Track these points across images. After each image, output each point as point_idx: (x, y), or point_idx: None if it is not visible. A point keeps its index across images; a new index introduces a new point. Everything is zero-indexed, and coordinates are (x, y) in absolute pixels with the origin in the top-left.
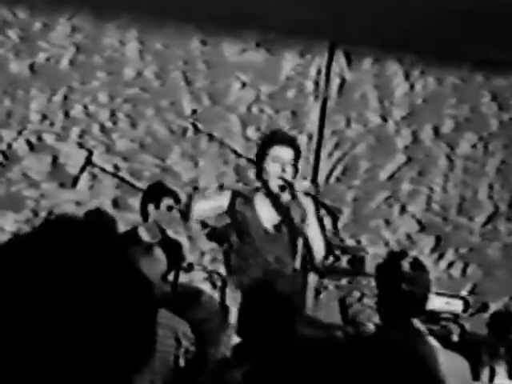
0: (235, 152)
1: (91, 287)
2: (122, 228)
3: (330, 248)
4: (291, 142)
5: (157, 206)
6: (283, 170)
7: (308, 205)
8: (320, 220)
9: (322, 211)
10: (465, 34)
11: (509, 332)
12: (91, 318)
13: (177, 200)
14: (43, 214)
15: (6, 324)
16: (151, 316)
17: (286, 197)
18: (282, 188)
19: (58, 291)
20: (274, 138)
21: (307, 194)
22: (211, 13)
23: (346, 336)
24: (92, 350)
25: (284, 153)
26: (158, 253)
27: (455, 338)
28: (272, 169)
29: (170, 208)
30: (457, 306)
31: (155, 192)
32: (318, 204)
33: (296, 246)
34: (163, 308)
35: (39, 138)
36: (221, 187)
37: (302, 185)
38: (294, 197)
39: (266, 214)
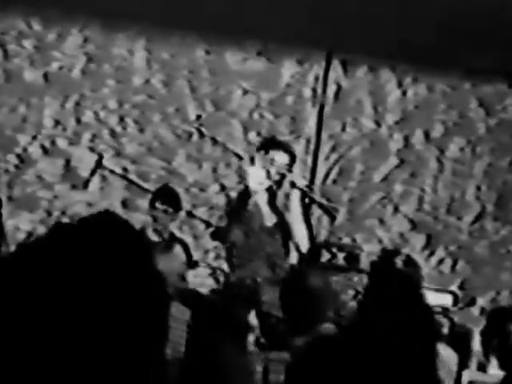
0: (237, 155)
1: (106, 283)
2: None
3: (313, 241)
4: (287, 148)
5: (153, 207)
6: (278, 173)
7: (295, 198)
8: (306, 213)
9: (315, 208)
10: (453, 44)
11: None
12: (107, 312)
13: (175, 204)
14: (56, 214)
15: (26, 317)
16: (164, 309)
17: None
18: (278, 184)
19: (75, 286)
20: (270, 143)
21: (294, 186)
22: (215, 24)
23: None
24: (107, 342)
25: (279, 157)
26: (178, 250)
27: (445, 330)
28: (269, 171)
29: (165, 211)
30: (446, 300)
31: (159, 194)
32: (305, 197)
33: (288, 243)
34: (176, 301)
35: (52, 143)
36: (223, 189)
37: (292, 178)
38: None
39: (266, 212)
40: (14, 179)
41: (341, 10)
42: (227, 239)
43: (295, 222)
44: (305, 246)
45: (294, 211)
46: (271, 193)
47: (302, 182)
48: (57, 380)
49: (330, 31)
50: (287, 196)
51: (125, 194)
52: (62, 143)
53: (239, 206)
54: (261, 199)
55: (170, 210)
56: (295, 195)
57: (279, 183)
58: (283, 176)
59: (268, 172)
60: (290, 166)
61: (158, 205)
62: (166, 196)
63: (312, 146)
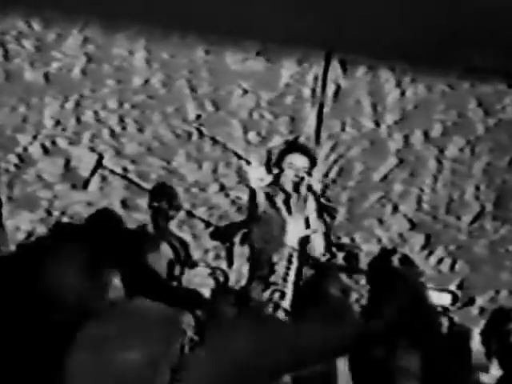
0: (237, 155)
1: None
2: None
3: (329, 246)
4: (307, 151)
5: (150, 205)
6: (297, 176)
7: (311, 202)
8: (321, 217)
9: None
10: (452, 44)
11: (503, 326)
12: None
13: (173, 202)
14: (56, 214)
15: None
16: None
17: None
18: (295, 186)
19: None
20: (291, 146)
21: (311, 189)
22: (214, 24)
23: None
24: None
25: (299, 160)
26: (165, 249)
27: (444, 329)
28: (287, 173)
29: (163, 209)
30: (446, 299)
31: (156, 193)
32: (321, 202)
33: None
34: (170, 301)
35: (53, 142)
36: (223, 189)
37: (310, 182)
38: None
39: (285, 216)
40: (14, 179)
41: (340, 10)
42: (226, 240)
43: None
44: (320, 249)
45: (312, 220)
46: (290, 199)
47: (318, 186)
48: None
49: (330, 31)
50: (304, 200)
51: (125, 194)
52: (62, 143)
53: (253, 209)
54: (280, 202)
55: (168, 208)
56: (311, 199)
57: (297, 187)
58: (301, 179)
59: (268, 167)
60: (310, 170)
61: (155, 203)
62: (163, 194)
63: (311, 146)
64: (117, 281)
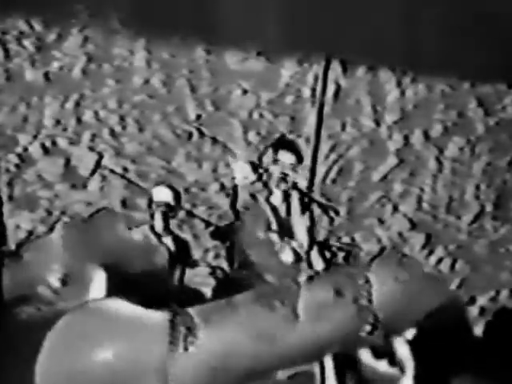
0: (233, 153)
1: None
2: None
3: (312, 242)
4: (293, 148)
5: (149, 206)
6: (282, 173)
7: (295, 199)
8: (305, 214)
9: (316, 208)
10: (452, 44)
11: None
12: None
13: (174, 202)
14: (56, 213)
15: None
16: None
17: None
18: (281, 181)
19: None
20: (276, 143)
21: (295, 186)
22: (214, 24)
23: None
24: None
25: (285, 157)
26: (162, 249)
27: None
28: (273, 170)
29: (163, 209)
30: None
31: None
32: (305, 197)
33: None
34: (170, 301)
35: (53, 142)
36: (223, 188)
37: (295, 179)
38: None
39: (269, 214)
40: (14, 178)
41: (340, 10)
42: (226, 239)
43: (295, 223)
44: (304, 247)
45: (294, 212)
46: (274, 204)
47: (303, 183)
48: None
49: (330, 31)
50: (288, 196)
51: (124, 194)
52: (62, 143)
53: (234, 207)
54: (262, 199)
55: (168, 208)
56: (295, 196)
57: (281, 183)
58: (286, 176)
59: (254, 165)
60: (296, 167)
61: (156, 203)
62: (165, 194)
63: (311, 146)
64: (100, 280)
